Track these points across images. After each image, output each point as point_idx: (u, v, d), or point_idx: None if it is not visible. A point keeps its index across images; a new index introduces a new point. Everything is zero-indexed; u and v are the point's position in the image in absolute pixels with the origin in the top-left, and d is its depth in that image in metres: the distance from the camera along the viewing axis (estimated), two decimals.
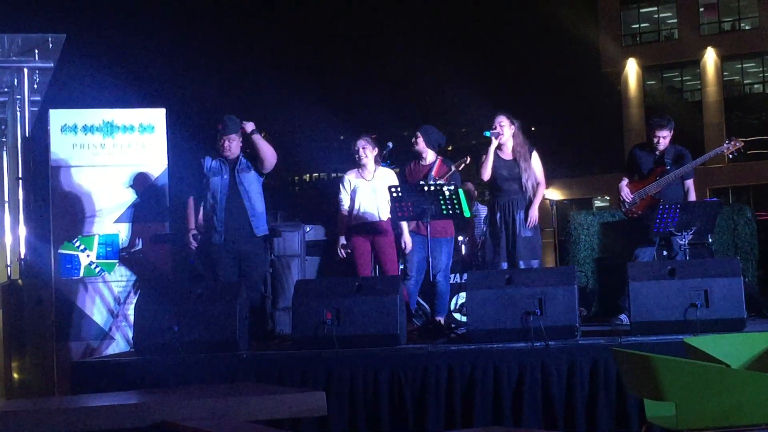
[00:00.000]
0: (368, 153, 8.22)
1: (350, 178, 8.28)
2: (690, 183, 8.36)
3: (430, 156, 8.48)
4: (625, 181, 8.41)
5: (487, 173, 8.07)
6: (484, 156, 8.11)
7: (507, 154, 8.17)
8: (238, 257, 7.86)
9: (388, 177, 8.32)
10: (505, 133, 8.13)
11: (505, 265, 7.96)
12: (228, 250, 7.83)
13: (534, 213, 8.07)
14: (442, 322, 8.20)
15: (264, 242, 8.05)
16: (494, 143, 8.08)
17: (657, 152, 8.32)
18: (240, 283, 7.53)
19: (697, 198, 8.50)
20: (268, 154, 7.86)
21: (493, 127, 8.13)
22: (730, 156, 8.74)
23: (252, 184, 7.92)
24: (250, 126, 7.83)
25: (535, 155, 8.21)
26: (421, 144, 8.45)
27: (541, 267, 8.17)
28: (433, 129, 8.56)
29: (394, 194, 7.67)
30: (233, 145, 7.88)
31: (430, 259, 7.73)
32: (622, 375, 5.11)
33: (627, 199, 8.32)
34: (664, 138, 8.28)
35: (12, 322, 9.26)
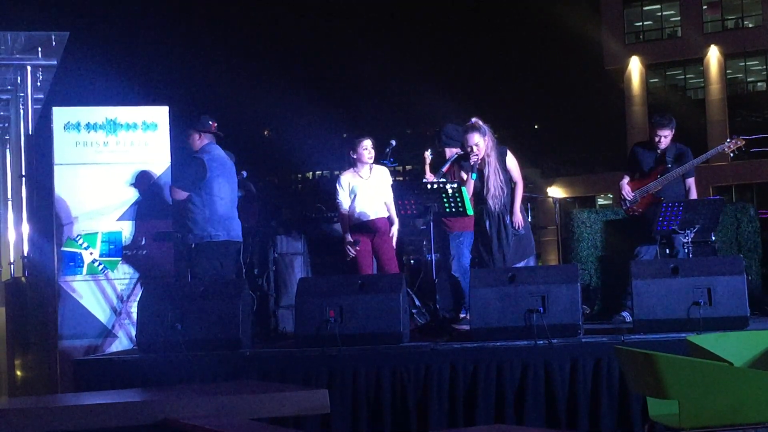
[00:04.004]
0: (373, 153, 8.23)
1: (347, 178, 8.24)
2: (691, 181, 8.35)
3: (449, 153, 8.48)
4: (625, 179, 8.40)
5: (470, 194, 7.79)
6: (467, 178, 7.80)
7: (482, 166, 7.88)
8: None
9: (385, 174, 8.33)
10: (482, 151, 7.80)
11: None
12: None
13: (518, 216, 7.84)
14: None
15: (191, 249, 8.00)
16: (475, 169, 7.76)
17: (658, 150, 8.32)
18: (242, 281, 7.54)
19: (698, 196, 8.49)
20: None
21: (469, 148, 7.79)
22: (732, 154, 8.73)
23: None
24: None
25: (509, 156, 7.92)
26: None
27: (541, 265, 8.10)
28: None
29: (397, 192, 7.67)
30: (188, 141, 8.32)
31: (434, 256, 7.73)
32: (625, 373, 5.11)
33: (628, 197, 8.32)
34: (665, 137, 8.28)
35: (15, 319, 9.28)
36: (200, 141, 8.18)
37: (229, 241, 8.04)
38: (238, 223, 8.20)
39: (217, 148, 8.21)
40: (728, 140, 8.38)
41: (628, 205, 8.34)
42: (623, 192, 8.34)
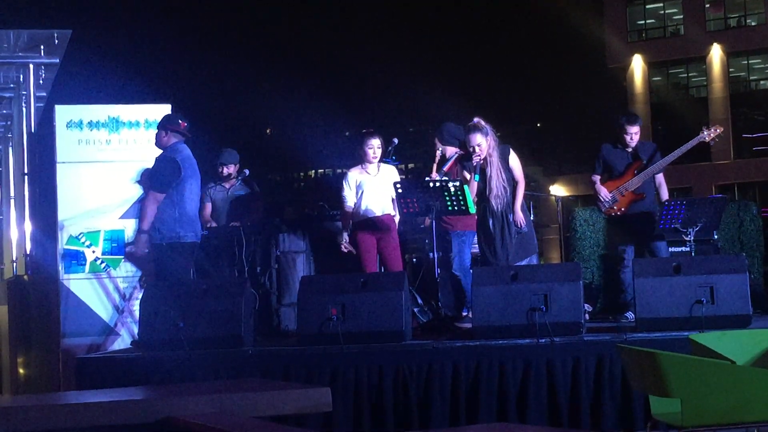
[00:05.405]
0: (379, 152, 8.23)
1: (354, 175, 8.25)
2: (661, 177, 8.32)
3: (449, 152, 8.47)
4: (598, 180, 8.35)
5: (473, 195, 7.84)
6: (470, 178, 7.85)
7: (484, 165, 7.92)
8: None
9: (392, 172, 8.33)
10: (484, 152, 7.83)
11: None
12: None
13: (519, 214, 7.86)
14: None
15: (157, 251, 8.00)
16: (478, 170, 7.80)
17: (629, 149, 8.28)
18: (245, 279, 7.53)
19: (701, 195, 8.50)
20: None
21: (471, 148, 7.82)
22: (712, 142, 8.71)
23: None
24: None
25: (512, 154, 7.93)
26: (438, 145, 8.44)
27: (544, 263, 8.11)
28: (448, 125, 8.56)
29: (400, 190, 7.67)
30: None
31: (436, 254, 7.73)
32: (628, 371, 5.11)
33: (606, 198, 8.25)
34: (635, 134, 8.26)
35: (18, 317, 9.28)
36: (167, 139, 8.01)
37: (195, 242, 8.00)
38: (199, 223, 8.19)
39: (186, 148, 8.06)
40: (705, 130, 8.40)
41: (608, 206, 8.28)
42: (601, 194, 8.27)
